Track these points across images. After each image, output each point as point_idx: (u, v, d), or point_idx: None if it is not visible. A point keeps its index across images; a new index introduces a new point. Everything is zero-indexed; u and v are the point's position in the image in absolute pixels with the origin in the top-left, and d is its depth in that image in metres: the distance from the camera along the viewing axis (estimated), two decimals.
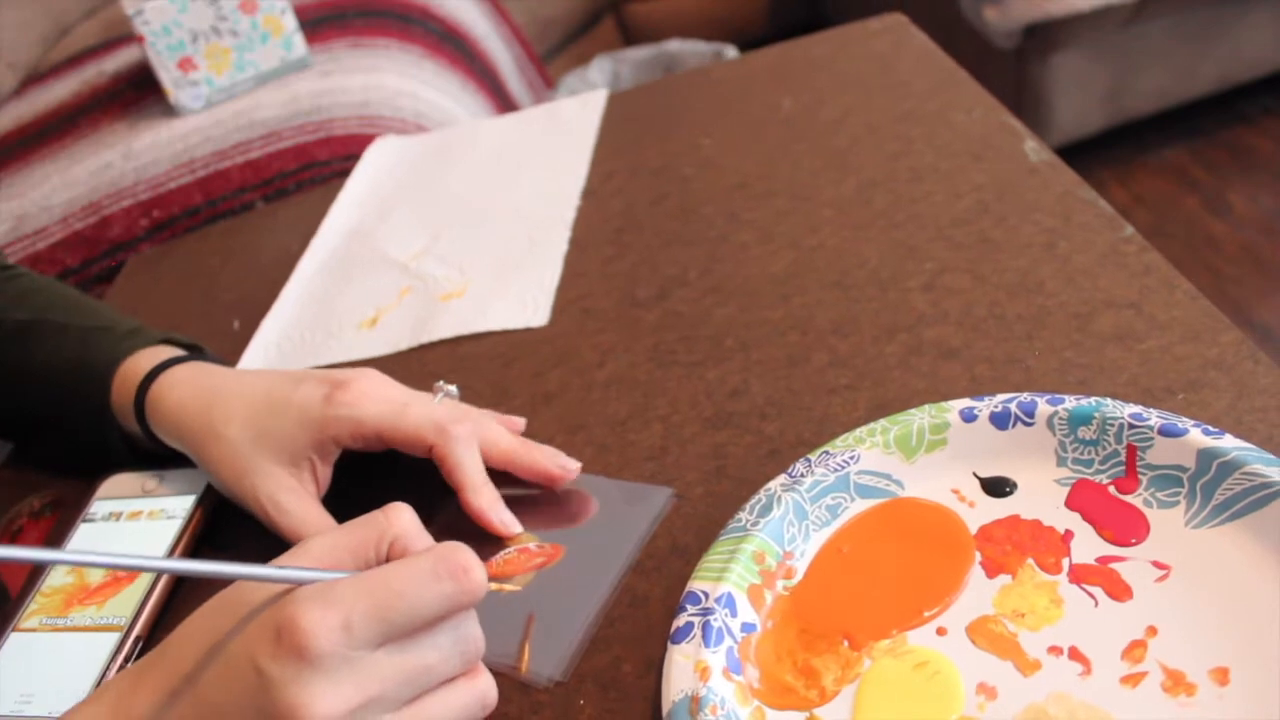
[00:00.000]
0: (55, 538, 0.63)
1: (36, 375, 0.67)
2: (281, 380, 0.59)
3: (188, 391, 0.61)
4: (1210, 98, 2.07)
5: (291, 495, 0.56)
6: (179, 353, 0.65)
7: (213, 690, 0.40)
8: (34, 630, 0.57)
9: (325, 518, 0.57)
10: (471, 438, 0.56)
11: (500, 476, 0.56)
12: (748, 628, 0.45)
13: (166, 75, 1.12)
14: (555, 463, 0.56)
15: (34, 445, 0.73)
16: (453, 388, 0.61)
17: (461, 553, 0.40)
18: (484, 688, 0.43)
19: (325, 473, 0.58)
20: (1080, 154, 2.08)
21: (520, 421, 0.61)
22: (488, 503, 0.55)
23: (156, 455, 0.64)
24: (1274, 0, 1.93)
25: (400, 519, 0.43)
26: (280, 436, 0.57)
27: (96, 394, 0.64)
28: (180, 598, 0.59)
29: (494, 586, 0.47)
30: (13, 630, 0.58)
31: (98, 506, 0.64)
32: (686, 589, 0.46)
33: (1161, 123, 2.10)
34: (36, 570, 0.61)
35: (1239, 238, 1.87)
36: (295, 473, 0.57)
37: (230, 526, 0.62)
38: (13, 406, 0.68)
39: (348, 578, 0.39)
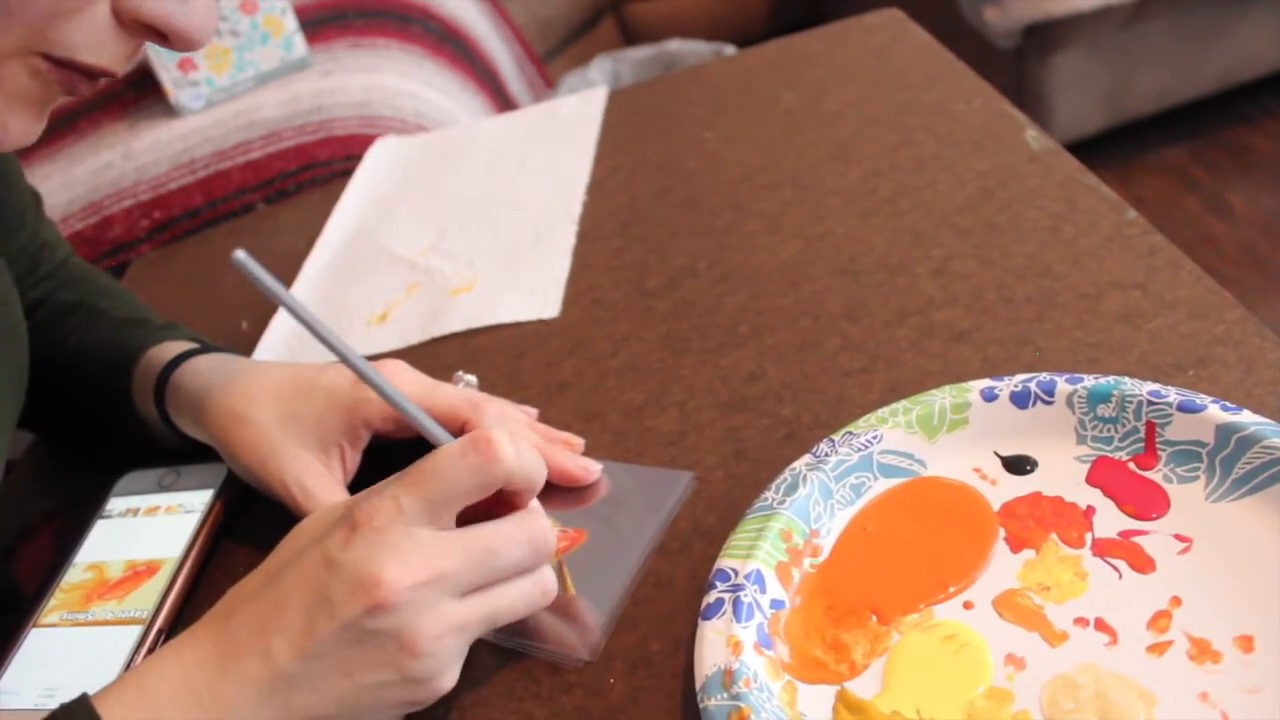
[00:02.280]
0: (70, 536, 0.63)
1: (69, 354, 0.67)
2: (306, 367, 0.59)
3: (210, 379, 0.60)
4: (1210, 98, 2.06)
5: (320, 481, 0.56)
6: (204, 345, 0.64)
7: (284, 602, 0.41)
8: (55, 625, 0.57)
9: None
10: (501, 416, 0.56)
11: None
12: (776, 604, 0.45)
13: (166, 75, 1.11)
14: (577, 464, 0.56)
15: (54, 428, 0.72)
16: (472, 377, 0.61)
17: (489, 430, 0.42)
18: (543, 578, 0.44)
19: (354, 459, 0.57)
20: (1080, 154, 2.04)
21: (532, 411, 0.61)
22: (561, 459, 0.55)
23: (168, 452, 0.64)
24: (1274, 0, 1.93)
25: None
26: (309, 420, 0.56)
27: (118, 378, 0.64)
28: (201, 590, 0.58)
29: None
30: (33, 626, 0.57)
31: (114, 503, 0.64)
32: (715, 566, 0.46)
33: (1161, 123, 2.09)
34: (54, 568, 0.60)
35: (1239, 238, 1.87)
36: (324, 458, 0.56)
37: (249, 520, 0.62)
38: (43, 382, 0.68)
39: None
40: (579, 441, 0.58)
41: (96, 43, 0.43)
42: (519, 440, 0.43)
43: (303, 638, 0.40)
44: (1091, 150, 2.05)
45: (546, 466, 0.55)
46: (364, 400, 0.56)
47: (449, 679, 0.42)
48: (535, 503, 0.45)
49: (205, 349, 0.63)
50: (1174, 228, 1.94)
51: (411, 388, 0.56)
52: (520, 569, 0.43)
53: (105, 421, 0.66)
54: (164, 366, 0.62)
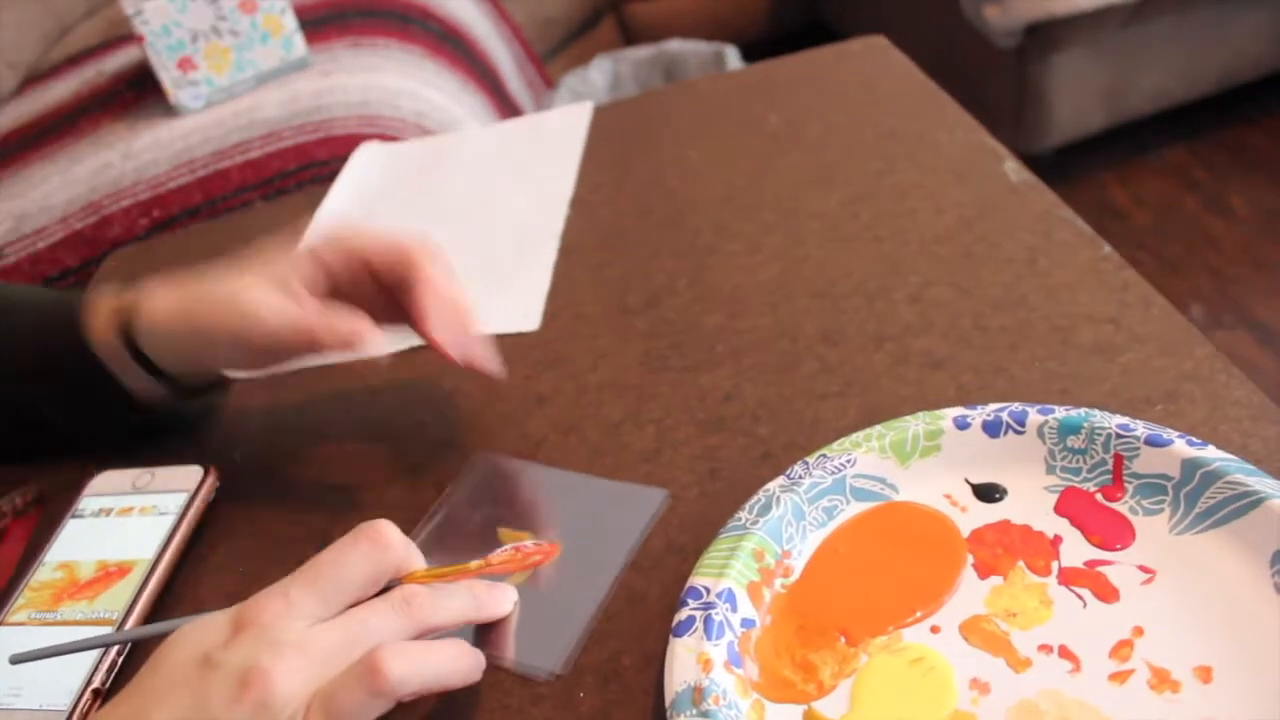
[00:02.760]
0: (41, 535, 0.62)
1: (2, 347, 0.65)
2: (253, 254, 0.59)
3: (175, 290, 0.60)
4: (1210, 98, 2.06)
5: (282, 297, 0.56)
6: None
7: (162, 693, 0.40)
8: (22, 624, 0.56)
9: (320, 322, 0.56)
10: (438, 273, 0.57)
11: (499, 491, 0.57)
12: (747, 623, 0.45)
13: (166, 75, 1.10)
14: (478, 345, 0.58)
15: (17, 435, 0.71)
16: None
17: (377, 521, 0.45)
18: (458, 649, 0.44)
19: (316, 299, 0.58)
20: (1080, 154, 2.06)
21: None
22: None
23: (143, 428, 0.64)
24: (1274, 0, 1.93)
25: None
26: (271, 269, 0.57)
27: (69, 335, 0.61)
28: (174, 592, 0.58)
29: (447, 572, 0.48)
30: (0, 625, 0.56)
31: (87, 503, 0.63)
32: (688, 584, 0.46)
33: (1161, 122, 2.08)
34: (24, 565, 0.60)
35: (1239, 238, 1.87)
36: (289, 295, 0.57)
37: (224, 523, 0.61)
38: None
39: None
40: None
41: None
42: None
43: None
44: (1091, 150, 2.05)
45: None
46: (319, 246, 0.57)
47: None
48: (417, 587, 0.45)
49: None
50: (1174, 228, 1.94)
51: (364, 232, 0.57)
52: (388, 636, 0.43)
53: (72, 390, 0.63)
54: (123, 304, 0.61)
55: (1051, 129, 1.97)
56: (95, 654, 0.53)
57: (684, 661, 0.43)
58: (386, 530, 0.44)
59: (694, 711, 0.41)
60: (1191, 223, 1.95)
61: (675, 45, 2.10)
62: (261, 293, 0.56)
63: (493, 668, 0.48)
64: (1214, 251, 1.87)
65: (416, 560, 0.46)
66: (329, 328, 0.55)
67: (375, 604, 0.43)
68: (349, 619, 0.42)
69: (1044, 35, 1.85)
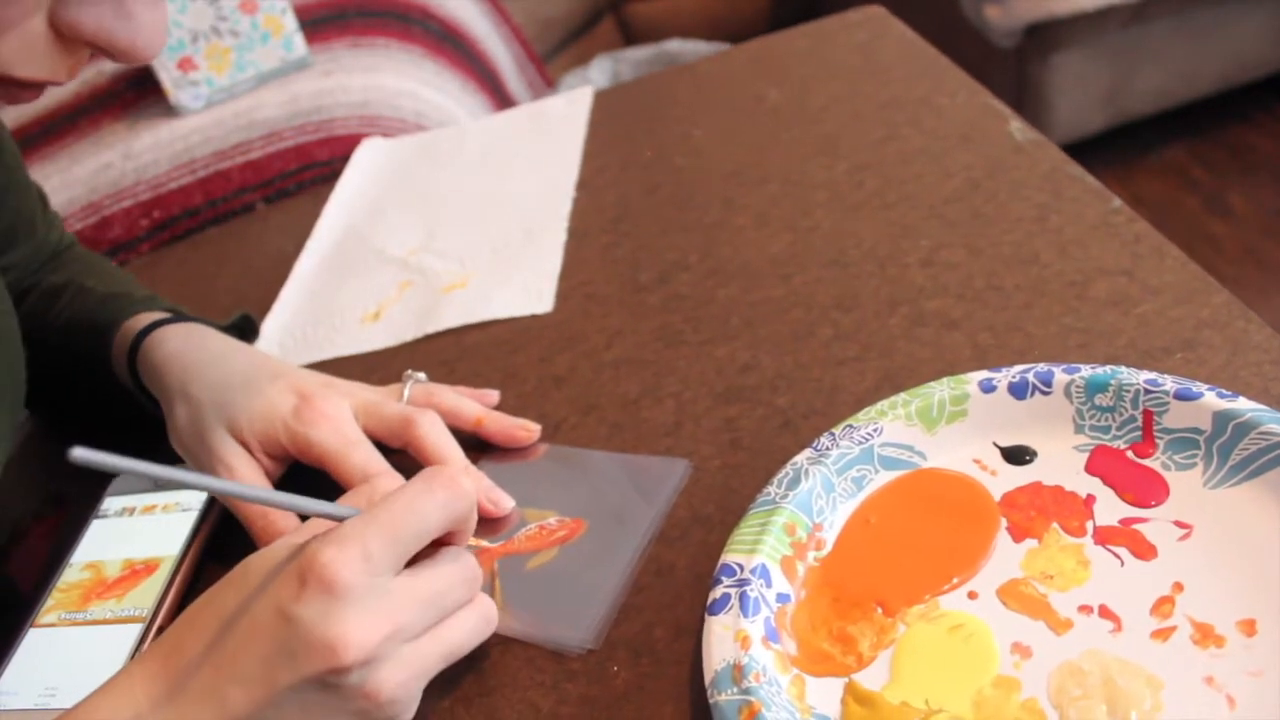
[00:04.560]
0: (64, 536, 0.60)
1: (56, 332, 0.66)
2: (262, 368, 0.58)
3: (174, 349, 0.60)
4: (1210, 98, 2.02)
5: (246, 464, 0.55)
6: (178, 315, 0.64)
7: (240, 650, 0.39)
8: (53, 626, 0.54)
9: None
10: (427, 433, 0.55)
11: (520, 471, 0.55)
12: (782, 598, 0.43)
13: (166, 75, 1.08)
14: (519, 424, 0.57)
15: (52, 408, 0.71)
16: (421, 374, 0.60)
17: (446, 468, 0.42)
18: (485, 608, 0.44)
19: (275, 468, 0.57)
20: (1080, 154, 2.02)
21: (493, 395, 0.60)
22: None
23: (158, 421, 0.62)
24: (1274, 0, 1.89)
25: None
26: (241, 417, 0.56)
27: (101, 349, 0.63)
28: (201, 587, 0.56)
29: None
30: (31, 627, 0.55)
31: (109, 503, 0.61)
32: (721, 561, 0.44)
33: (1161, 123, 2.05)
34: (51, 567, 0.58)
35: (1239, 238, 1.84)
36: (245, 454, 0.56)
37: None
38: (36, 361, 0.66)
39: (355, 516, 0.40)
40: (535, 428, 0.57)
41: (33, 57, 0.39)
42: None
43: (260, 688, 0.38)
44: (1091, 150, 2.01)
45: (493, 433, 0.57)
46: (286, 429, 0.55)
47: (409, 715, 0.42)
48: (465, 548, 0.44)
49: (178, 319, 0.62)
50: (1174, 228, 1.90)
51: (332, 437, 0.54)
52: (462, 605, 0.43)
53: (95, 395, 0.65)
54: (135, 335, 0.61)
55: (1052, 129, 1.93)
56: (128, 651, 0.51)
57: (721, 639, 0.41)
58: (461, 478, 0.42)
59: (735, 689, 0.39)
60: (1191, 223, 1.91)
61: (675, 45, 2.06)
62: (238, 461, 0.55)
63: (525, 644, 0.47)
64: (1214, 251, 1.83)
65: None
66: (268, 517, 0.54)
67: (454, 581, 0.42)
68: (430, 597, 0.41)
69: (1044, 35, 1.81)
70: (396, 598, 0.39)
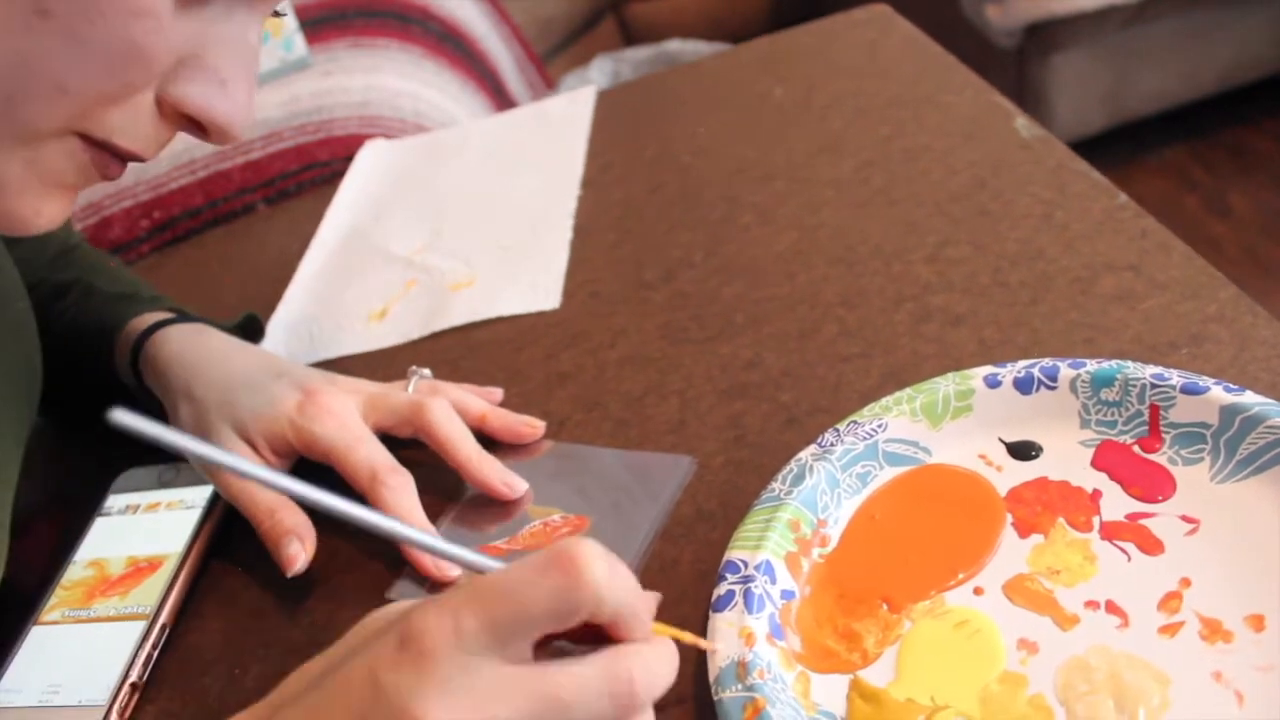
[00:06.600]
0: (68, 535, 0.60)
1: (61, 332, 0.66)
2: (265, 366, 0.58)
3: (177, 349, 0.60)
4: (1210, 98, 2.01)
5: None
6: (183, 315, 0.64)
7: (329, 706, 0.35)
8: (56, 623, 0.54)
9: (279, 496, 0.54)
10: (439, 418, 0.54)
11: (524, 469, 0.55)
12: (787, 595, 0.43)
13: None
14: (523, 420, 0.57)
15: (56, 407, 0.70)
16: (426, 370, 0.60)
17: (575, 545, 0.34)
18: None
19: (281, 466, 0.56)
20: (1080, 154, 2.02)
21: (498, 393, 0.60)
22: (489, 472, 0.54)
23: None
24: (1274, 1, 1.88)
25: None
26: (245, 415, 0.56)
27: (104, 348, 0.63)
28: (205, 585, 0.56)
29: (685, 638, 0.39)
30: (34, 624, 0.55)
31: (113, 500, 0.61)
32: (725, 558, 0.44)
33: (1161, 123, 2.03)
34: (53, 565, 0.58)
35: (1239, 238, 1.83)
36: (251, 451, 0.56)
37: None
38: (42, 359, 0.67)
39: (479, 576, 0.35)
40: (539, 424, 0.57)
41: (135, 128, 0.40)
42: (611, 559, 0.34)
43: None
44: (1091, 150, 1.99)
45: (498, 429, 0.56)
46: (291, 425, 0.55)
47: None
48: (635, 649, 0.35)
49: (183, 319, 0.62)
50: (1174, 228, 1.89)
51: (337, 432, 0.54)
52: None
53: (98, 394, 0.64)
54: (139, 335, 0.61)
55: (1052, 129, 1.88)
56: (131, 648, 0.51)
57: (726, 636, 0.41)
58: (584, 560, 0.33)
59: (739, 686, 0.39)
60: (1191, 223, 1.90)
61: (675, 45, 2.06)
62: (238, 451, 0.55)
63: None
64: (1214, 251, 1.81)
65: (622, 591, 0.34)
66: (276, 515, 0.54)
67: (585, 682, 0.34)
68: (545, 693, 0.33)
69: (1044, 35, 1.80)
70: (498, 688, 0.33)
